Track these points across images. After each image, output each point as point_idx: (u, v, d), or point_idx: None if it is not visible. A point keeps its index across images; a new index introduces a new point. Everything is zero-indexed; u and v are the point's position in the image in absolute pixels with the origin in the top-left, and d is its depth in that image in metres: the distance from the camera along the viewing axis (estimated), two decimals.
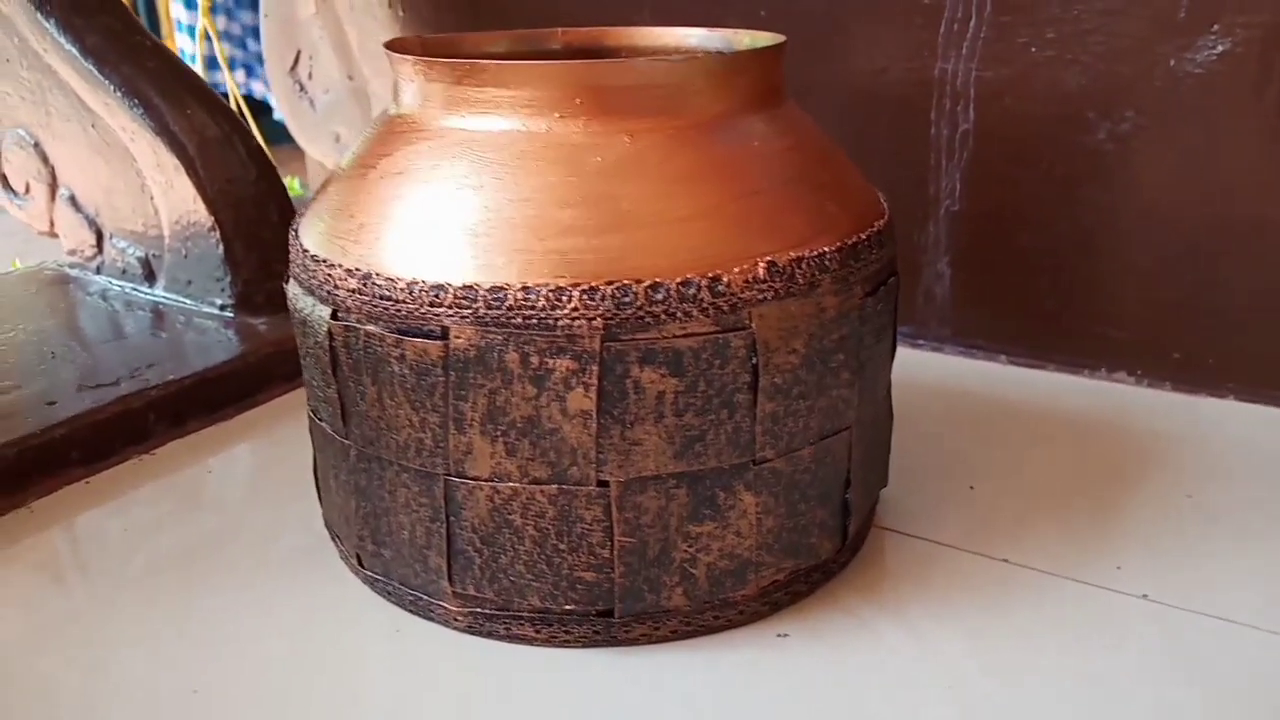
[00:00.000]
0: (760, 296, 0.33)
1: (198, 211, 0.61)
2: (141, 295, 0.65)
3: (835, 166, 0.38)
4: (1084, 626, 0.37)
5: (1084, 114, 0.54)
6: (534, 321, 0.32)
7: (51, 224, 0.70)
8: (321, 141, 0.91)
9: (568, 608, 0.36)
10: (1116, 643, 0.37)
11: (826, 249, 0.35)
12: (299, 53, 0.89)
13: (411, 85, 0.37)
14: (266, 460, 0.51)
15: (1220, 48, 0.51)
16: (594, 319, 0.32)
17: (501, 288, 0.33)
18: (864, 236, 0.36)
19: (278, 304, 0.61)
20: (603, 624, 0.36)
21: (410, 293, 0.34)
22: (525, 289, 0.32)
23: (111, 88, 0.61)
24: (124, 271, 0.66)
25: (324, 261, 0.36)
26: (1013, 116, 0.56)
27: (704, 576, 0.36)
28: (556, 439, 0.34)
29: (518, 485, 0.34)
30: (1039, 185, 0.57)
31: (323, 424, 0.39)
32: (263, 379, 0.57)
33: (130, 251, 0.66)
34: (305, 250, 0.38)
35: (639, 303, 0.32)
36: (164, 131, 0.60)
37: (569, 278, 0.32)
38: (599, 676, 0.36)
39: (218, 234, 0.60)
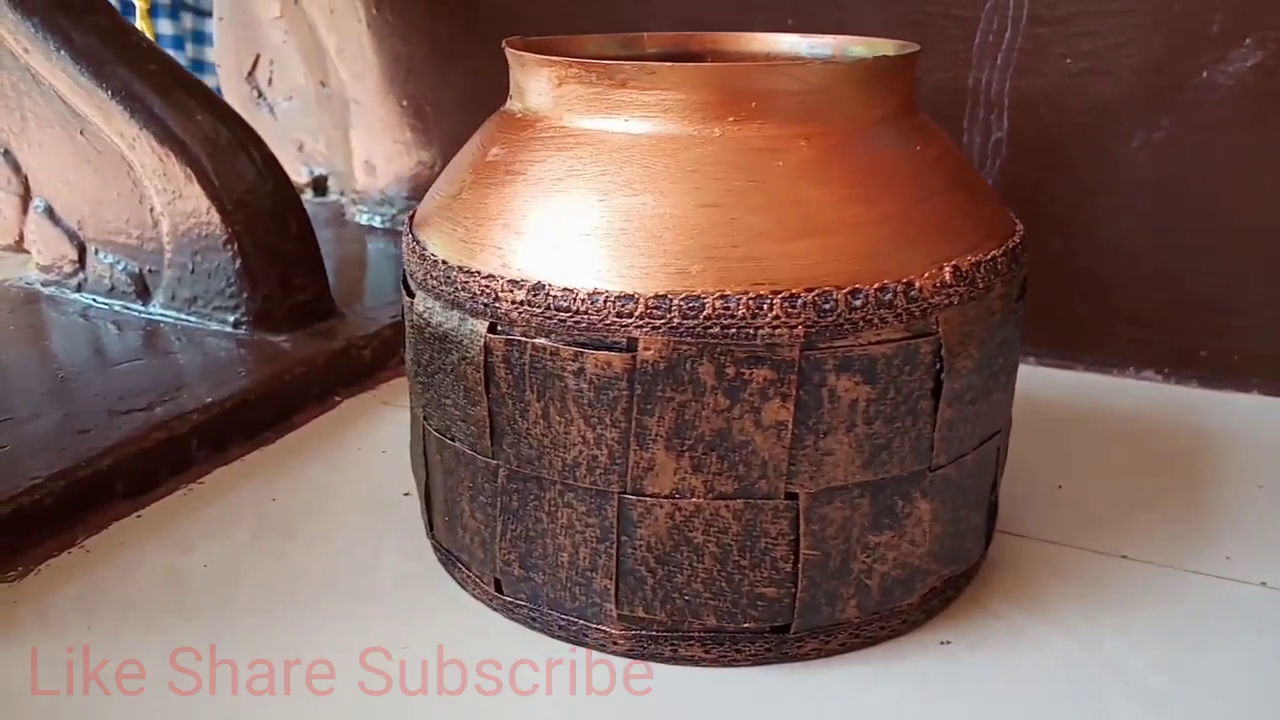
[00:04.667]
0: (947, 301, 0.33)
1: (211, 224, 0.57)
2: (133, 314, 0.61)
3: (975, 173, 0.38)
4: (1225, 617, 0.38)
5: (1118, 123, 0.56)
6: (732, 331, 0.31)
7: (20, 237, 0.64)
8: (281, 150, 0.87)
9: (745, 625, 0.35)
10: (1258, 631, 0.38)
11: (995, 253, 0.35)
12: (258, 57, 0.84)
13: (557, 89, 0.35)
14: (329, 486, 0.48)
15: (1252, 60, 0.53)
16: (795, 327, 0.31)
17: (698, 296, 0.31)
18: (1018, 240, 0.37)
19: (299, 320, 0.58)
20: (776, 640, 0.35)
21: (593, 303, 0.32)
22: (723, 297, 0.31)
23: (109, 92, 0.56)
24: (112, 289, 0.62)
25: (476, 273, 0.34)
26: (1046, 125, 0.58)
27: (877, 587, 0.35)
28: (747, 452, 0.33)
29: (701, 501, 0.33)
30: (1070, 192, 0.58)
31: (454, 443, 0.37)
32: (298, 400, 0.54)
33: (120, 267, 0.61)
34: (443, 262, 0.35)
35: (839, 310, 0.32)
36: (171, 139, 0.56)
37: (768, 285, 0.32)
38: (777, 694, 0.35)
39: (234, 247, 0.57)
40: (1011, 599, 0.39)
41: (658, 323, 0.32)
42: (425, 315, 0.36)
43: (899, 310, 0.32)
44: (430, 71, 0.73)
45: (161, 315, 0.60)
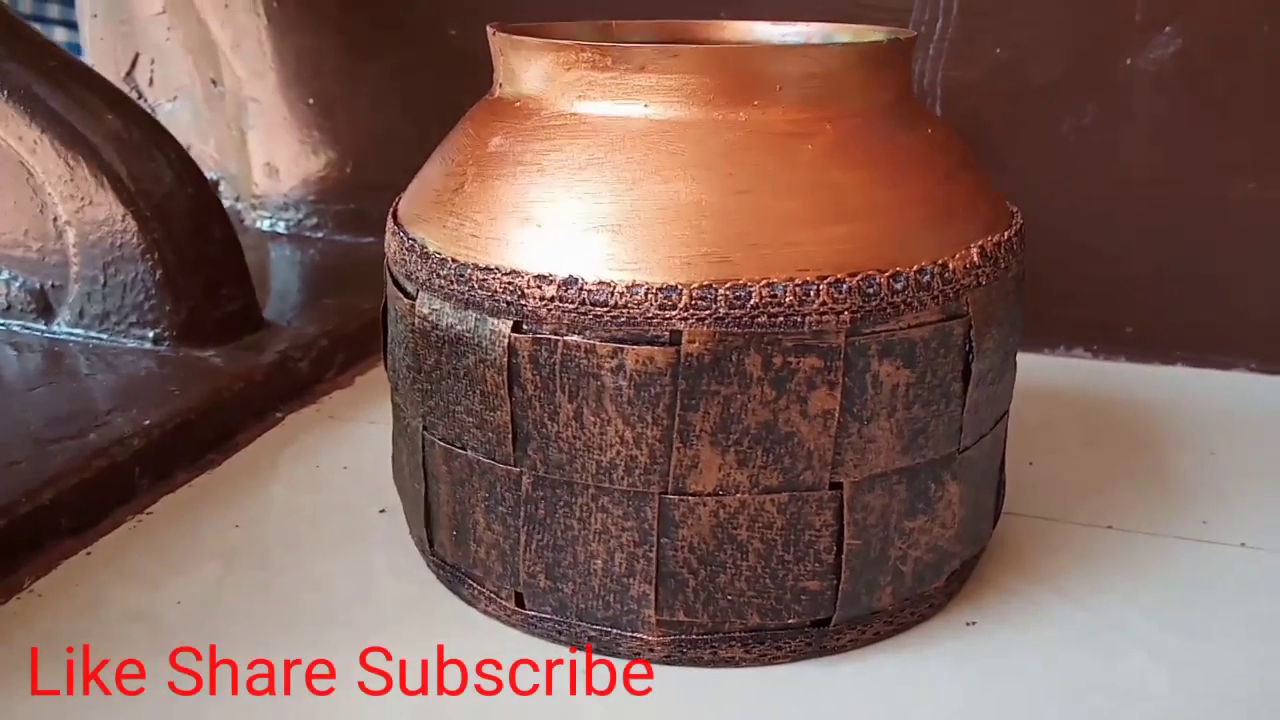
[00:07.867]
0: (975, 282, 0.33)
1: (126, 232, 0.52)
2: (34, 334, 0.56)
3: (973, 155, 0.39)
4: (1216, 578, 0.40)
5: (1047, 109, 0.58)
6: (779, 320, 0.31)
7: None
8: None
9: (789, 622, 0.34)
10: (1250, 589, 0.39)
11: (1008, 233, 0.35)
12: (137, 56, 0.79)
13: (565, 74, 0.34)
14: (296, 508, 0.44)
15: (1172, 47, 0.56)
16: (841, 313, 0.31)
17: (744, 285, 0.30)
18: (1021, 222, 0.37)
19: (227, 333, 0.55)
20: (815, 634, 0.35)
21: (632, 296, 0.31)
22: (769, 285, 0.31)
23: (4, 92, 0.51)
24: (9, 308, 0.56)
25: (495, 270, 0.32)
26: (978, 113, 0.59)
27: (910, 573, 0.35)
28: (793, 443, 0.32)
29: (746, 496, 0.32)
30: (1000, 177, 0.59)
31: (466, 452, 0.35)
32: (239, 418, 0.50)
33: (18, 283, 0.56)
34: (451, 260, 0.33)
35: (882, 294, 0.31)
36: (78, 141, 0.52)
37: (812, 271, 0.31)
38: (821, 690, 0.34)
39: (154, 256, 0.52)
40: (1018, 575, 0.40)
41: (703, 314, 0.30)
42: (432, 318, 0.34)
43: (935, 292, 0.32)
44: (340, 68, 0.70)
45: (68, 334, 0.55)
